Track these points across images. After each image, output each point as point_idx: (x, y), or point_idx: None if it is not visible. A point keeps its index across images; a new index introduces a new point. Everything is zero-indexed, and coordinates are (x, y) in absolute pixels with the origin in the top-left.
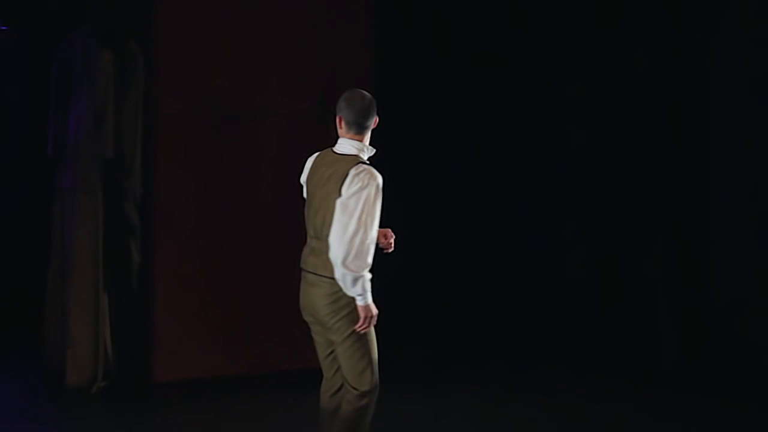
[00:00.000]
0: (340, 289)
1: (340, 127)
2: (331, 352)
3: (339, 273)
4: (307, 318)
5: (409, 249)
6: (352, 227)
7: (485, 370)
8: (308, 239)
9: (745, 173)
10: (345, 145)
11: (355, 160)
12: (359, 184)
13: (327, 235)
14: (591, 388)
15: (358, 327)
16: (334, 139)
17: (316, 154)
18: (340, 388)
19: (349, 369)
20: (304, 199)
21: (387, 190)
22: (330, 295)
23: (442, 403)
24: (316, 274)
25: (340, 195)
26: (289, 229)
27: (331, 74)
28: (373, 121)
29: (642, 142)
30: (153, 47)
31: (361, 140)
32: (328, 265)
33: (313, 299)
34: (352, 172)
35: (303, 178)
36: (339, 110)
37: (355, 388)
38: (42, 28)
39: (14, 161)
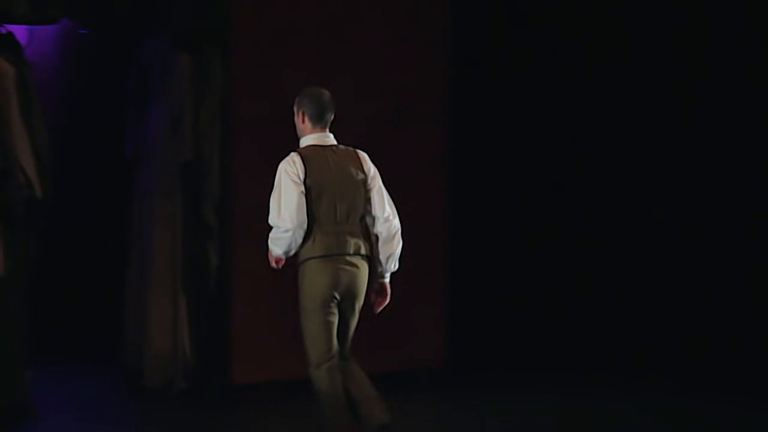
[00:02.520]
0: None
1: (302, 122)
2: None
3: (399, 245)
4: (333, 298)
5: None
6: (391, 202)
7: (486, 370)
8: (327, 226)
9: (747, 168)
10: (323, 138)
11: (352, 148)
12: (372, 165)
13: (359, 219)
14: (591, 388)
15: (385, 304)
16: (405, 142)
17: (297, 153)
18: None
19: (352, 333)
20: (303, 192)
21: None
22: (367, 271)
23: (446, 403)
24: (359, 254)
25: (365, 178)
26: None
27: (409, 79)
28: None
29: (642, 135)
30: (231, 51)
31: (326, 132)
32: (365, 246)
33: (356, 278)
34: (364, 157)
35: (301, 176)
36: (302, 106)
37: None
38: (121, 32)
39: (93, 164)
